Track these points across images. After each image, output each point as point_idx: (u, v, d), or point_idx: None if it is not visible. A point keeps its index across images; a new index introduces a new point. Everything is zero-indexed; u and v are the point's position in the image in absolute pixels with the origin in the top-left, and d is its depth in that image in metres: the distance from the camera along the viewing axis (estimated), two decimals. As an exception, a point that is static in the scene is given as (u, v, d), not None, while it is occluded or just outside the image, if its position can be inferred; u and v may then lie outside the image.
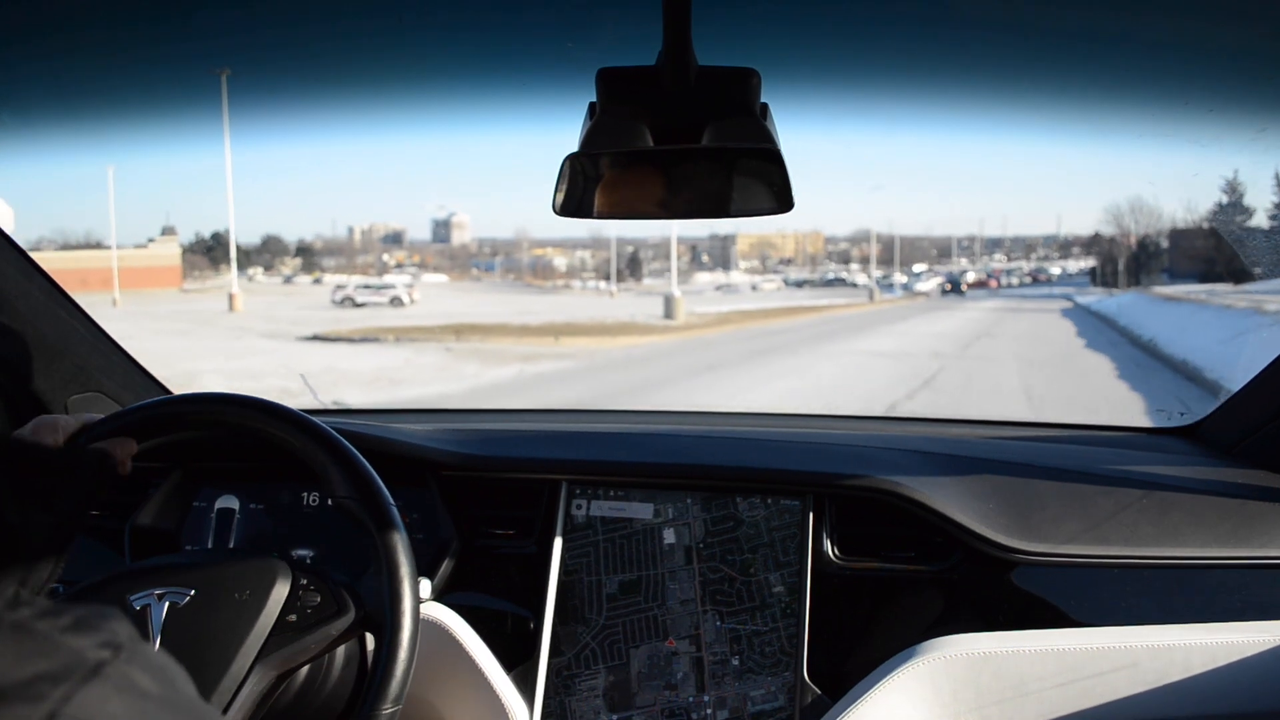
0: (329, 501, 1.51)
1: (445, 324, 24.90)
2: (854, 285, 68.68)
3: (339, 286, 43.64)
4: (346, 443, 1.21)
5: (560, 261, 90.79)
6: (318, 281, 59.82)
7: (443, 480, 1.54)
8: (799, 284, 73.92)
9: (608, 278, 64.99)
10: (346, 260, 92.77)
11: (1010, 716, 1.32)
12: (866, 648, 1.39)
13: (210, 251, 68.48)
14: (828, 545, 1.44)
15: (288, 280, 70.95)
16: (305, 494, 1.57)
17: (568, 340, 21.79)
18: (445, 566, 1.49)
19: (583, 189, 1.08)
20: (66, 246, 59.76)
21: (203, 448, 1.45)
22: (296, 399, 1.60)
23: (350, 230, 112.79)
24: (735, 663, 1.41)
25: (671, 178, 1.10)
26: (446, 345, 20.01)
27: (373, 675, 1.11)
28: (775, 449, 1.56)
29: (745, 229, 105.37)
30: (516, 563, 1.51)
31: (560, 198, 1.07)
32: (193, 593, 1.12)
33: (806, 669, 1.38)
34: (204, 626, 1.10)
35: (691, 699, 1.41)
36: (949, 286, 53.82)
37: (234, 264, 41.05)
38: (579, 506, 1.51)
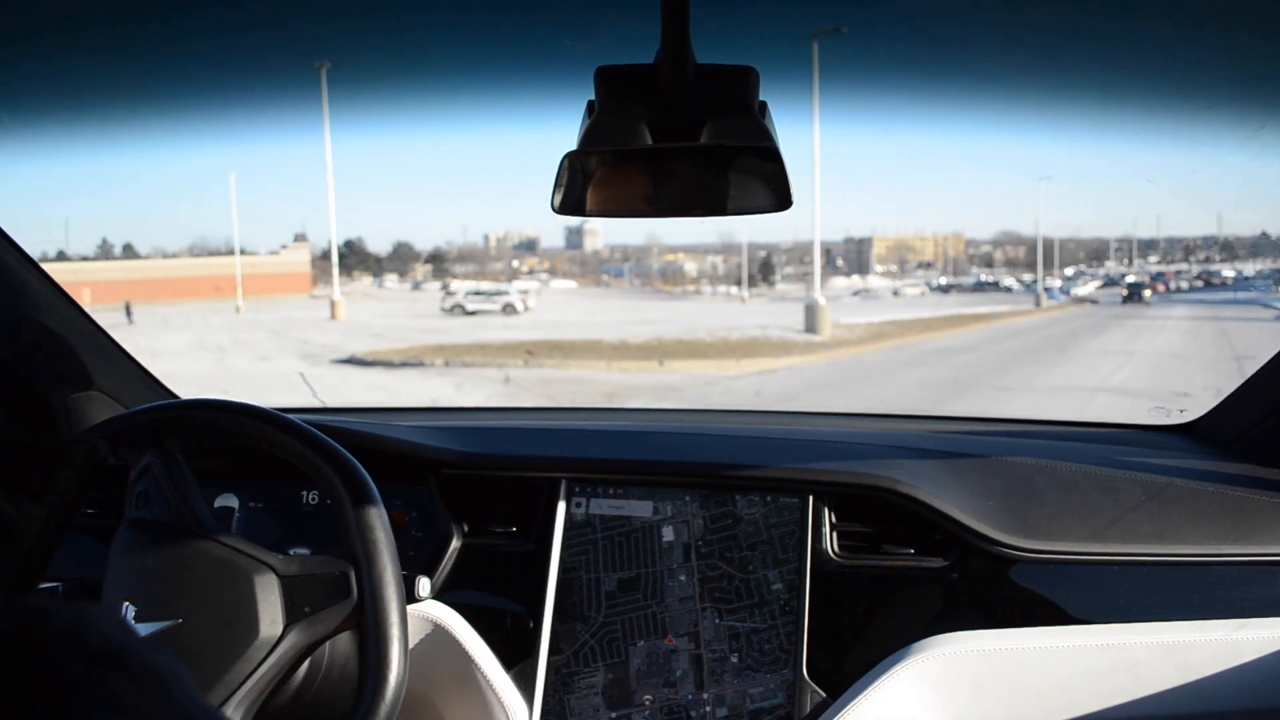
0: (327, 500, 1.54)
1: (521, 341, 19.21)
2: (1007, 290, 60.76)
3: (449, 294, 39.32)
4: (328, 439, 1.22)
5: (691, 266, 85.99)
6: (444, 287, 56.37)
7: (442, 478, 1.55)
8: (945, 288, 66.62)
9: (739, 283, 58.85)
10: (479, 267, 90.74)
11: (1009, 713, 1.31)
12: (865, 645, 1.37)
13: (343, 259, 67.51)
14: (826, 542, 1.42)
15: (416, 286, 68.17)
16: (305, 492, 1.58)
17: (675, 365, 15.56)
18: (444, 564, 1.50)
19: (581, 187, 1.06)
20: (213, 253, 58.07)
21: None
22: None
23: (486, 238, 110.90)
24: (734, 660, 1.40)
25: (670, 175, 1.08)
26: (507, 374, 14.23)
27: (365, 684, 1.11)
28: (774, 447, 1.55)
29: (882, 231, 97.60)
30: (515, 561, 1.51)
31: (559, 196, 1.06)
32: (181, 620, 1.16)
33: (805, 666, 1.37)
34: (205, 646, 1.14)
35: (690, 696, 1.40)
36: (1126, 293, 44.95)
37: (335, 270, 38.31)
38: (578, 504, 1.51)
